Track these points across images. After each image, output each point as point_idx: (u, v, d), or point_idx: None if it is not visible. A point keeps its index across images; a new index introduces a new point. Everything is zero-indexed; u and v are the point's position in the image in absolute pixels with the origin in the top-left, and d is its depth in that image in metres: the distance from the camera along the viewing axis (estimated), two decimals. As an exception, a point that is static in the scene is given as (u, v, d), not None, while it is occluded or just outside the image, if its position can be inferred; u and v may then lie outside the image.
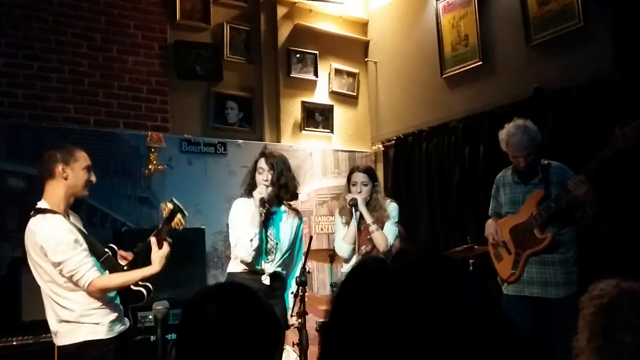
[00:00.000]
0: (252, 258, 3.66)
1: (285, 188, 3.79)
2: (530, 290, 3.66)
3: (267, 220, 3.78)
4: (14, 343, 3.82)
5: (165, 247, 3.08)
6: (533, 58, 4.93)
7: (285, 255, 3.87)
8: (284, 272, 3.90)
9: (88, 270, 2.87)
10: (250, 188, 3.82)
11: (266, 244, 3.78)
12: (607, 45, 4.28)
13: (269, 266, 3.77)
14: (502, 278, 3.85)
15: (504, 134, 3.75)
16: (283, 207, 3.90)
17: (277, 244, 3.82)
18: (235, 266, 3.81)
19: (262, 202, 3.67)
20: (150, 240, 3.08)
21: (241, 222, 3.71)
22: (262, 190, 3.68)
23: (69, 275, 2.85)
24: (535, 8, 4.85)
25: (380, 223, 3.97)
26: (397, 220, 4.04)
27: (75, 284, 2.87)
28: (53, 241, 2.83)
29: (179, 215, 3.12)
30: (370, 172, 4.06)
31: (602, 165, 3.34)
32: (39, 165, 3.07)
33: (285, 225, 3.88)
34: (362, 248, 3.94)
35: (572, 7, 4.53)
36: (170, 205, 3.10)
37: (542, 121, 4.56)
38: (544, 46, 4.83)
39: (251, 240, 3.62)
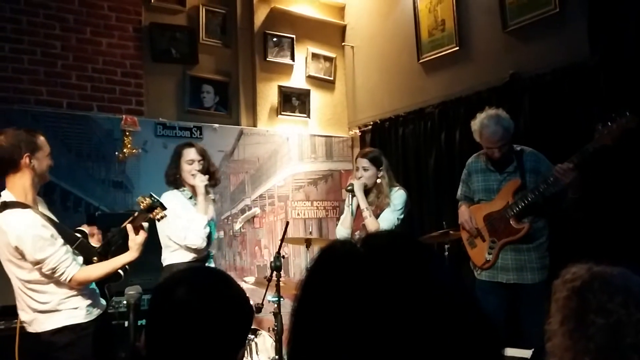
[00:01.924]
0: (206, 244, 3.80)
1: (212, 175, 3.91)
2: (506, 277, 3.68)
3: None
4: (-16, 328, 3.76)
5: (142, 234, 3.05)
6: (509, 44, 4.94)
7: (214, 239, 4.05)
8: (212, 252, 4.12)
9: (69, 265, 2.84)
10: (174, 179, 3.87)
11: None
12: (582, 31, 4.29)
13: (212, 250, 3.99)
14: (475, 264, 3.86)
15: (477, 125, 3.74)
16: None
17: (211, 229, 3.92)
18: (178, 257, 3.81)
19: (207, 188, 3.79)
20: (126, 227, 3.04)
21: (184, 212, 3.76)
22: (203, 178, 3.78)
23: (49, 273, 2.80)
24: (512, -7, 4.86)
25: (380, 210, 3.94)
26: (399, 208, 3.94)
27: (56, 279, 2.84)
28: (29, 241, 2.75)
29: (159, 208, 3.09)
30: (372, 157, 4.03)
31: (584, 160, 3.35)
32: None
33: (210, 211, 3.99)
34: (356, 234, 3.94)
35: (548, -7, 4.55)
36: (148, 200, 3.06)
37: (518, 107, 4.60)
38: (520, 32, 4.84)
39: (204, 227, 3.73)
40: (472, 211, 3.89)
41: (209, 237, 3.82)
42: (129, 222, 3.05)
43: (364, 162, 4.00)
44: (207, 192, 3.80)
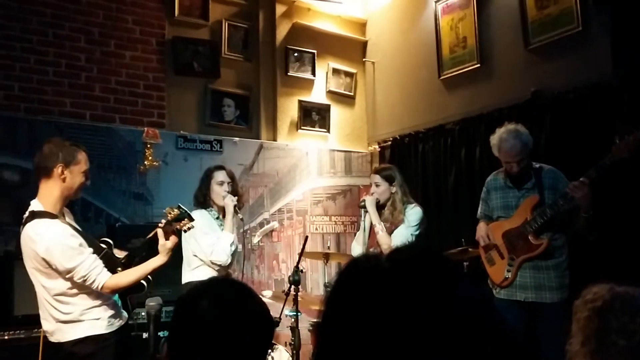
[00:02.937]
0: (230, 261, 3.88)
1: (240, 198, 4.04)
2: (524, 295, 3.64)
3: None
4: (6, 337, 3.82)
5: (173, 239, 3.07)
6: (531, 61, 4.93)
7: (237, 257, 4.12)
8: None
9: (99, 273, 2.86)
10: (204, 199, 3.99)
11: None
12: (605, 49, 4.28)
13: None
14: (494, 282, 3.82)
15: (495, 139, 3.73)
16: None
17: (236, 247, 3.99)
18: (199, 274, 3.82)
19: (236, 208, 3.89)
20: (150, 239, 3.06)
21: (211, 230, 3.87)
22: (233, 198, 3.90)
23: (81, 281, 2.82)
24: (534, 11, 4.84)
25: (394, 226, 3.93)
26: (414, 225, 3.94)
27: (87, 287, 2.86)
28: (58, 251, 2.76)
29: (186, 219, 3.11)
30: (384, 173, 4.05)
31: (601, 174, 3.33)
32: (36, 159, 2.93)
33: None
34: (371, 250, 3.93)
35: (571, 11, 4.53)
36: (176, 211, 3.08)
37: (539, 125, 4.57)
38: (542, 50, 4.82)
39: (231, 244, 3.82)
40: (491, 228, 3.86)
41: (234, 255, 3.90)
42: (160, 227, 3.06)
43: (376, 178, 4.04)
44: (235, 212, 3.89)
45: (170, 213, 3.07)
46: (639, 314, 1.35)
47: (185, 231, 3.20)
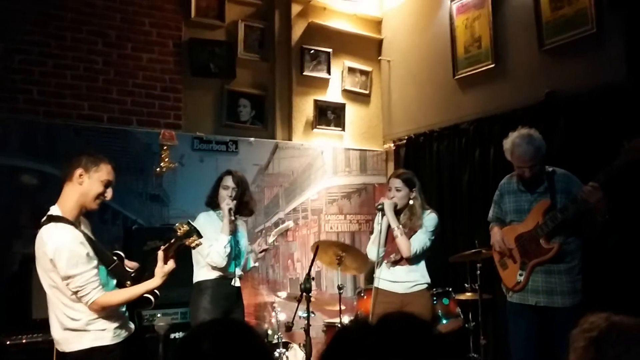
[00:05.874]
0: (226, 263, 4.00)
1: (245, 205, 4.23)
2: (536, 299, 3.64)
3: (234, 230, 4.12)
4: (24, 340, 3.89)
5: (170, 264, 3.05)
6: (545, 62, 4.91)
7: (243, 260, 4.24)
8: (242, 273, 4.28)
9: (94, 288, 2.86)
10: (211, 201, 4.22)
11: (233, 250, 4.07)
12: (620, 52, 4.26)
13: (238, 270, 4.08)
14: (507, 286, 3.85)
15: (508, 143, 3.73)
16: (238, 220, 4.26)
17: (240, 250, 4.16)
18: (205, 274, 4.08)
19: (230, 212, 4.02)
20: (157, 254, 3.07)
21: (210, 232, 3.96)
22: (230, 202, 4.04)
23: (74, 290, 2.84)
24: (549, 12, 4.82)
25: (412, 232, 3.97)
26: (431, 230, 4.00)
27: (79, 299, 2.87)
28: (64, 255, 2.80)
29: (195, 236, 3.13)
30: (406, 179, 4.08)
31: (610, 177, 3.32)
32: (64, 165, 3.05)
33: (242, 235, 4.29)
34: (392, 256, 4.00)
35: (586, 13, 4.51)
36: (185, 227, 3.10)
37: (553, 126, 4.56)
38: (556, 51, 4.80)
39: (225, 246, 3.97)
40: (504, 232, 3.87)
41: (230, 256, 4.00)
42: (162, 250, 3.05)
43: (397, 183, 4.04)
44: (230, 216, 4.01)
45: (180, 229, 3.10)
46: (634, 344, 1.36)
47: (193, 248, 3.21)
